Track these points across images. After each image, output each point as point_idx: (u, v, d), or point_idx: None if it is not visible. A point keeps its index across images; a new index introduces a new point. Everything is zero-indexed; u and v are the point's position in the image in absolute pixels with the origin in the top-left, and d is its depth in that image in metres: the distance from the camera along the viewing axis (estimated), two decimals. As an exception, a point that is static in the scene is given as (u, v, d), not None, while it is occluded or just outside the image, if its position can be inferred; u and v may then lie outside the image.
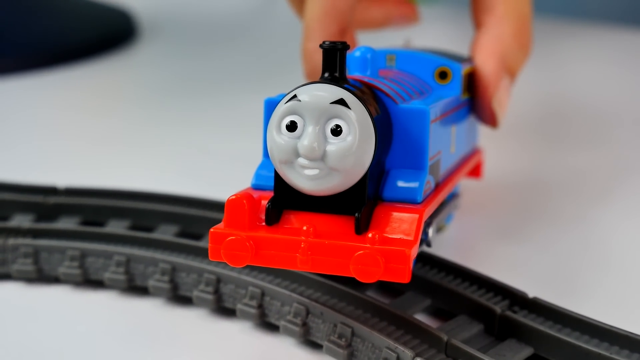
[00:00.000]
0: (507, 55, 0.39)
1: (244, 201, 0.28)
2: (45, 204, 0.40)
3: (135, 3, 0.83)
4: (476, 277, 0.33)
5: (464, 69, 0.37)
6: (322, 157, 0.27)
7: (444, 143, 0.34)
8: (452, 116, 0.35)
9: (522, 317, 0.31)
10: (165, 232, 0.38)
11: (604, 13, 0.83)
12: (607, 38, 0.78)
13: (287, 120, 0.28)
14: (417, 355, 0.28)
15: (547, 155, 0.52)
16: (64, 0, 0.76)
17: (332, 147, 0.27)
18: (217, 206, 0.39)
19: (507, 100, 0.40)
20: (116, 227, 0.39)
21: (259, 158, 0.49)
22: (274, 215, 0.29)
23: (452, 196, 0.38)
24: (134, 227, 0.39)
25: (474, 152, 0.41)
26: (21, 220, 0.39)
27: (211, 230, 0.28)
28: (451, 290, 0.33)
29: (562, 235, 0.41)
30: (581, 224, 0.42)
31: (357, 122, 0.27)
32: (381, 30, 0.48)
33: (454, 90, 0.37)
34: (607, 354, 0.29)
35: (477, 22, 0.40)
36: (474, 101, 0.39)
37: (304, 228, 0.28)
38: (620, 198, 0.46)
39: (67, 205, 0.40)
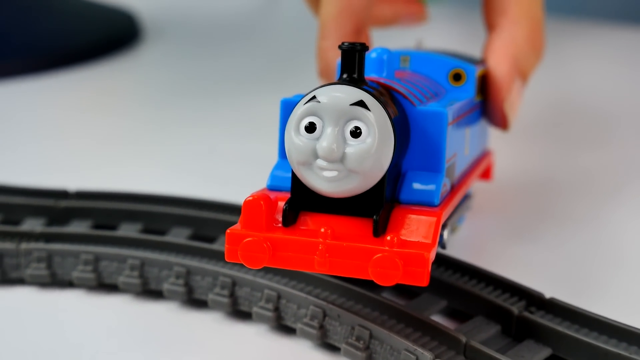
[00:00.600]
0: (520, 58, 0.39)
1: (261, 202, 0.28)
2: (57, 208, 0.40)
3: (139, 4, 0.83)
4: (492, 277, 0.33)
5: (478, 71, 0.37)
6: (341, 159, 0.27)
7: (459, 145, 0.34)
8: (466, 118, 0.35)
9: (539, 318, 0.31)
10: (178, 235, 0.38)
11: (608, 12, 0.83)
12: (612, 37, 0.78)
13: (306, 122, 0.27)
14: (436, 357, 0.28)
15: (555, 155, 0.52)
16: (68, 2, 0.76)
17: (351, 149, 0.27)
18: (229, 208, 0.39)
19: (519, 104, 0.40)
20: (128, 230, 0.38)
21: (269, 159, 0.49)
22: (291, 217, 0.28)
23: (465, 198, 0.38)
24: (146, 231, 0.39)
25: (485, 154, 0.41)
26: (33, 225, 0.39)
27: (227, 231, 0.28)
28: (467, 291, 0.33)
29: (574, 234, 0.41)
30: (592, 223, 0.42)
31: (377, 124, 0.27)
32: (389, 28, 0.48)
33: (468, 92, 0.36)
34: (626, 354, 0.29)
35: (490, 24, 0.40)
36: (486, 103, 0.39)
37: (322, 230, 0.27)
38: (630, 197, 0.46)
39: (78, 208, 0.40)
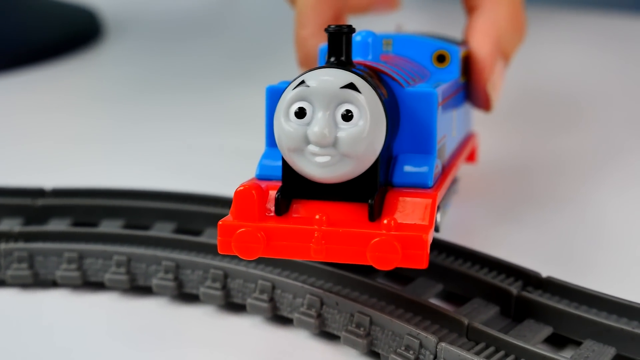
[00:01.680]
0: (502, 39, 0.38)
1: (253, 192, 0.27)
2: (34, 207, 0.39)
3: (99, 1, 0.82)
4: (487, 259, 0.33)
5: (462, 52, 0.37)
6: (333, 144, 0.26)
7: (448, 127, 0.33)
8: (453, 99, 0.35)
9: (538, 297, 0.31)
10: (162, 230, 0.37)
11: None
12: (584, 22, 0.78)
13: (295, 107, 0.27)
14: (440, 340, 0.28)
15: (535, 138, 0.52)
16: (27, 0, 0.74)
17: (344, 133, 0.26)
18: (213, 201, 0.38)
19: (502, 84, 0.39)
20: (111, 226, 0.37)
21: (245, 151, 0.48)
22: (283, 205, 0.28)
23: (452, 181, 0.38)
24: (129, 226, 0.38)
25: (470, 136, 0.41)
26: (10, 224, 0.38)
27: (220, 222, 0.27)
28: (464, 273, 0.32)
29: (559, 214, 0.41)
30: (575, 202, 0.43)
31: (368, 106, 0.27)
32: (362, 16, 0.48)
33: (453, 74, 0.36)
34: (629, 328, 0.28)
35: (470, 5, 0.40)
36: (468, 84, 0.39)
37: (317, 217, 0.27)
38: (608, 176, 0.46)
39: (56, 206, 0.39)
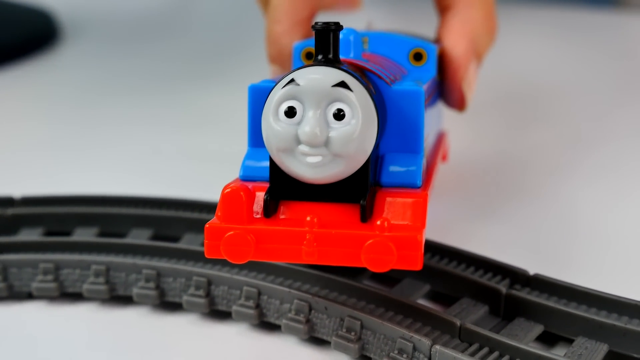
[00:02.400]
0: (476, 39, 0.38)
1: (241, 193, 0.27)
2: (4, 216, 0.37)
3: (53, 3, 0.80)
4: (472, 258, 0.33)
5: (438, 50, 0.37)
6: (325, 143, 0.26)
7: (429, 125, 0.33)
8: (432, 98, 0.35)
9: (527, 295, 0.30)
10: (139, 237, 0.36)
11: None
12: (549, 17, 0.78)
13: (285, 106, 0.26)
14: (433, 342, 0.28)
15: (503, 134, 0.52)
16: (-21, 2, 0.72)
17: (335, 132, 0.26)
18: (190, 205, 0.38)
19: (475, 84, 0.39)
20: (85, 235, 0.36)
21: (214, 153, 0.48)
22: (272, 207, 0.27)
23: None
24: (103, 234, 0.37)
25: (442, 135, 0.41)
26: (-21, 236, 0.36)
27: (206, 225, 0.26)
28: (451, 273, 0.32)
29: (532, 208, 0.41)
30: (549, 197, 0.43)
31: (360, 104, 0.26)
32: (325, 13, 0.47)
33: (430, 72, 0.36)
34: (621, 324, 0.28)
35: (442, 5, 0.40)
36: (443, 84, 0.39)
37: (308, 218, 0.26)
38: (580, 169, 0.46)
39: (26, 215, 0.38)
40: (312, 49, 0.34)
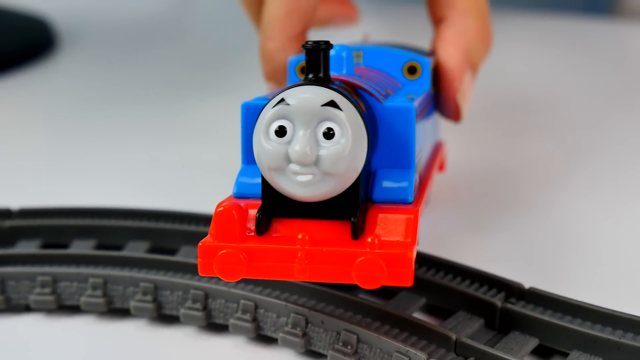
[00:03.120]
0: (471, 50, 0.38)
1: (234, 212, 0.27)
2: (1, 228, 0.37)
3: (50, 11, 0.80)
4: (467, 271, 0.33)
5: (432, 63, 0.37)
6: (315, 162, 0.26)
7: (423, 139, 0.33)
8: (426, 111, 0.35)
9: (523, 309, 0.31)
10: (136, 249, 0.36)
11: (533, 1, 0.84)
12: (540, 25, 0.79)
13: (275, 125, 0.26)
14: (429, 356, 0.28)
15: (498, 144, 0.52)
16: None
17: (325, 151, 0.26)
18: (187, 218, 0.38)
19: (470, 95, 0.39)
20: (82, 247, 0.37)
21: (212, 164, 0.48)
22: (264, 225, 0.27)
23: None
24: (100, 246, 0.37)
25: (439, 145, 0.41)
26: (-23, 248, 0.36)
27: (200, 244, 0.27)
28: (446, 286, 0.32)
29: (527, 220, 0.41)
30: (545, 209, 0.43)
31: (349, 123, 0.26)
32: (321, 29, 0.47)
33: (424, 85, 0.36)
34: (615, 338, 0.29)
35: (437, 16, 0.40)
36: (438, 95, 0.39)
37: (299, 236, 0.26)
38: (575, 180, 0.46)
39: (24, 227, 0.38)
40: None
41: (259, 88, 0.39)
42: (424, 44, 0.41)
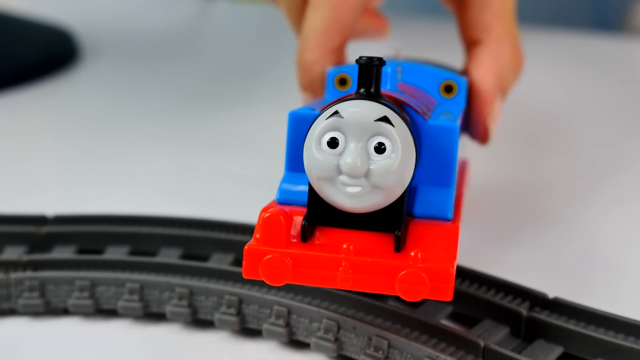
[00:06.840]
0: (503, 74, 0.39)
1: (281, 217, 0.28)
2: (38, 234, 0.39)
3: (72, 22, 0.81)
4: (493, 281, 0.34)
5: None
6: (365, 175, 0.27)
7: (459, 157, 0.34)
8: (462, 131, 0.36)
9: (548, 317, 0.32)
10: (169, 256, 0.37)
11: (547, 17, 0.85)
12: (560, 42, 0.80)
13: (328, 137, 0.27)
14: (459, 362, 0.29)
15: (522, 160, 0.53)
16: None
17: (376, 165, 0.27)
18: (218, 226, 0.39)
19: (499, 118, 0.40)
20: (117, 253, 0.38)
21: (238, 174, 0.49)
22: (309, 232, 0.28)
23: None
24: (134, 253, 0.38)
25: (464, 163, 0.42)
26: (14, 252, 0.38)
27: (246, 247, 0.28)
28: (472, 295, 0.33)
29: (551, 234, 0.42)
30: (569, 223, 0.44)
31: (400, 139, 0.27)
32: (352, 41, 0.48)
33: (459, 104, 0.37)
34: (638, 347, 0.30)
35: (471, 38, 0.41)
36: (467, 116, 0.40)
37: (344, 246, 0.27)
38: (598, 195, 0.47)
39: (59, 234, 0.39)
40: (346, 75, 0.35)
41: (287, 98, 0.39)
42: (444, 58, 0.42)
